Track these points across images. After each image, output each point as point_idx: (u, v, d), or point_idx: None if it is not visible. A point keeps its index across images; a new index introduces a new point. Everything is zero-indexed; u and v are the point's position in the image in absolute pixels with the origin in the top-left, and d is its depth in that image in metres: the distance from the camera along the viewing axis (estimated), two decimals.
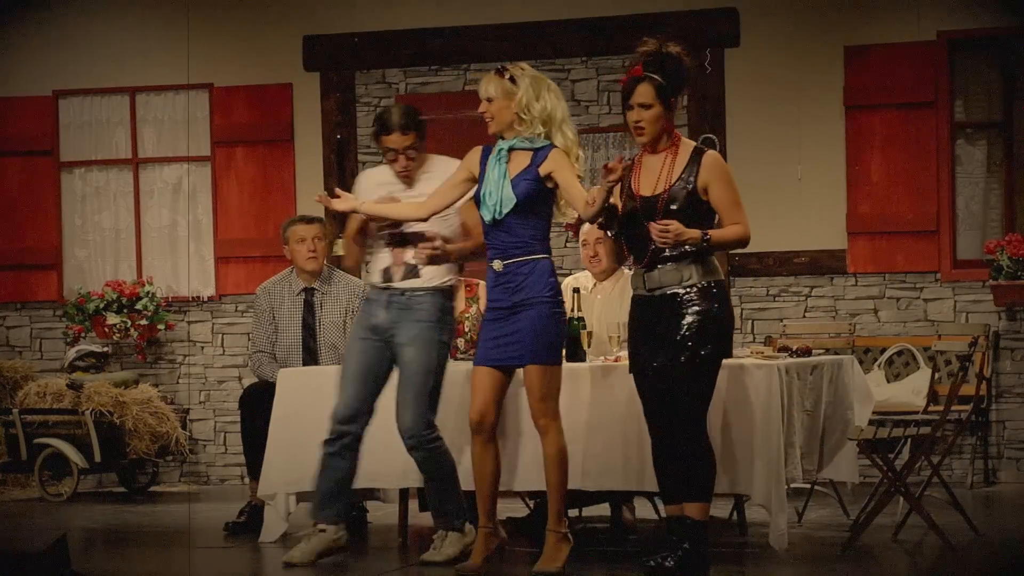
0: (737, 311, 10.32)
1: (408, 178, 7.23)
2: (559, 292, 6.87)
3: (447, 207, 7.06)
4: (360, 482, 7.72)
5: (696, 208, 6.61)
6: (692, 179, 6.61)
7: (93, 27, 11.67)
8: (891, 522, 7.88)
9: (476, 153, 6.99)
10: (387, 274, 7.22)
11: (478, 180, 6.91)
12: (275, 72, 11.41)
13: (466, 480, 7.29)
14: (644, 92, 6.60)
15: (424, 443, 7.12)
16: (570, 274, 8.67)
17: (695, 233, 6.53)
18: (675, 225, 6.49)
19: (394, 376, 7.22)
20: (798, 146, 10.60)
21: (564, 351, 7.60)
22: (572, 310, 7.53)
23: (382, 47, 11.29)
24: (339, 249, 8.86)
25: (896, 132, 10.57)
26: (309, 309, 8.66)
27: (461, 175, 7.01)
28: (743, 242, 6.68)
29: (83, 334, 11.39)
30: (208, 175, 11.57)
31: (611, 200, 6.62)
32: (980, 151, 10.70)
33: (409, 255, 7.15)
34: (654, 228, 6.50)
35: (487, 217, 6.83)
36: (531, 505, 8.33)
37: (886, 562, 7.32)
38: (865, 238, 10.61)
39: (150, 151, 11.70)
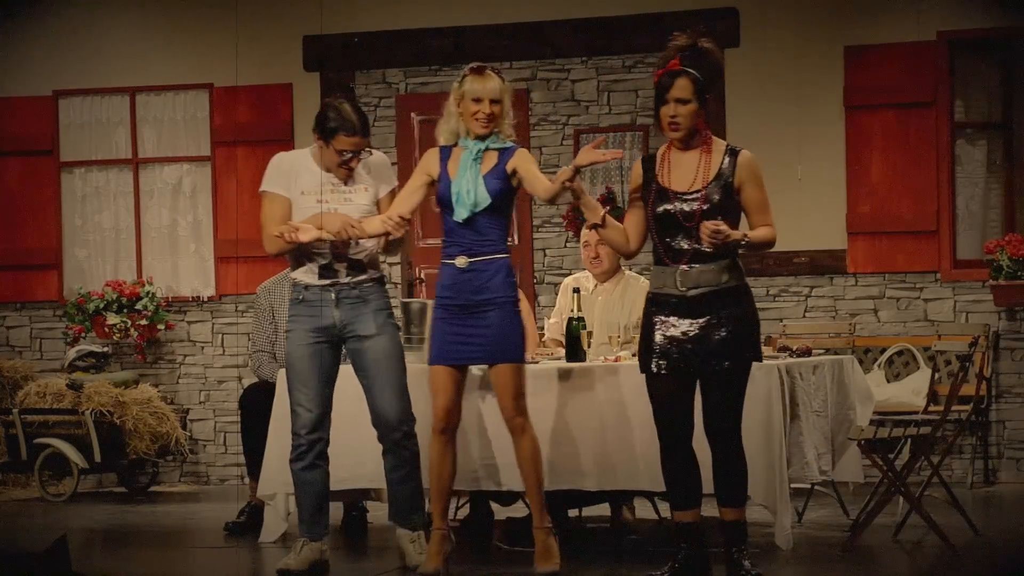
0: None
1: (350, 175, 7.04)
2: (517, 290, 6.88)
3: (412, 212, 6.89)
4: (358, 483, 7.74)
5: (730, 207, 6.46)
6: (730, 177, 6.46)
7: (93, 27, 11.67)
8: (891, 522, 7.88)
9: (434, 154, 6.91)
10: (327, 272, 7.03)
11: (439, 181, 6.84)
12: (275, 72, 11.41)
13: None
14: (683, 86, 6.45)
15: (411, 433, 7.04)
16: (570, 274, 8.66)
17: (739, 234, 6.39)
18: (724, 226, 6.32)
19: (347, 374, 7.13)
20: (798, 146, 10.60)
21: (564, 350, 7.65)
22: (572, 310, 7.53)
23: (382, 47, 11.29)
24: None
25: (896, 132, 10.57)
26: None
27: (421, 179, 6.89)
28: (772, 244, 6.52)
29: (83, 334, 11.39)
30: (208, 175, 11.57)
31: (575, 184, 6.49)
32: (980, 151, 10.70)
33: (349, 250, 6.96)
34: (707, 227, 6.29)
35: (461, 216, 6.74)
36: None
37: (886, 562, 7.32)
38: (865, 238, 10.61)
39: (150, 151, 11.69)
